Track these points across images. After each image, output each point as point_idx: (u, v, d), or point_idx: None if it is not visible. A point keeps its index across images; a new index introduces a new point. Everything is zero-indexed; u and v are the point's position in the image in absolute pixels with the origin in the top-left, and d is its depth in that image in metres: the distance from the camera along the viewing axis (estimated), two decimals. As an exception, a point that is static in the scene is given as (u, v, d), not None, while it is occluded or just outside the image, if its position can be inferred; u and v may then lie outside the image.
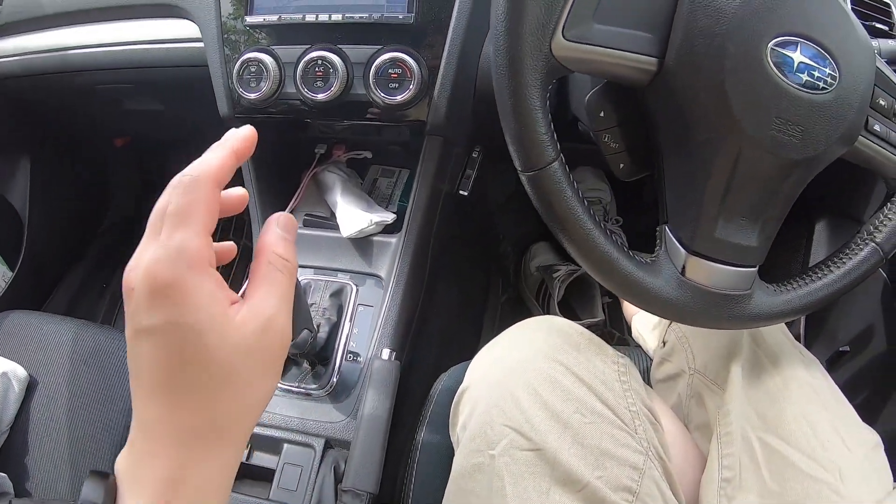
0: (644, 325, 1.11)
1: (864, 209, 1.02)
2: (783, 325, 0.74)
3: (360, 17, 0.84)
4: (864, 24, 0.68)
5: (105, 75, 1.10)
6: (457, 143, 0.95)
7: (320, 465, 0.77)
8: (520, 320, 0.74)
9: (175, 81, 1.08)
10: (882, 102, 0.58)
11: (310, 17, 0.86)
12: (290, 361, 0.87)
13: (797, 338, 1.07)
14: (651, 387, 0.84)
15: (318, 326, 0.87)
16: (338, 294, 0.92)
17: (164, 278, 0.34)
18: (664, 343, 0.84)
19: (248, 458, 0.80)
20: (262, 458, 0.80)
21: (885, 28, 0.80)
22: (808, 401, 0.65)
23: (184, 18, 0.97)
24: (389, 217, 0.95)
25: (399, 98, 0.83)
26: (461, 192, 0.99)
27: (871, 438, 0.65)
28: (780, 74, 0.51)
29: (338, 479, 0.76)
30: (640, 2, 0.53)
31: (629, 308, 1.31)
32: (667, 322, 0.87)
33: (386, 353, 0.84)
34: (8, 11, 1.10)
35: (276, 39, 0.89)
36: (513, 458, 0.58)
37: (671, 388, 0.79)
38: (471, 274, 1.50)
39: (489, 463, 0.59)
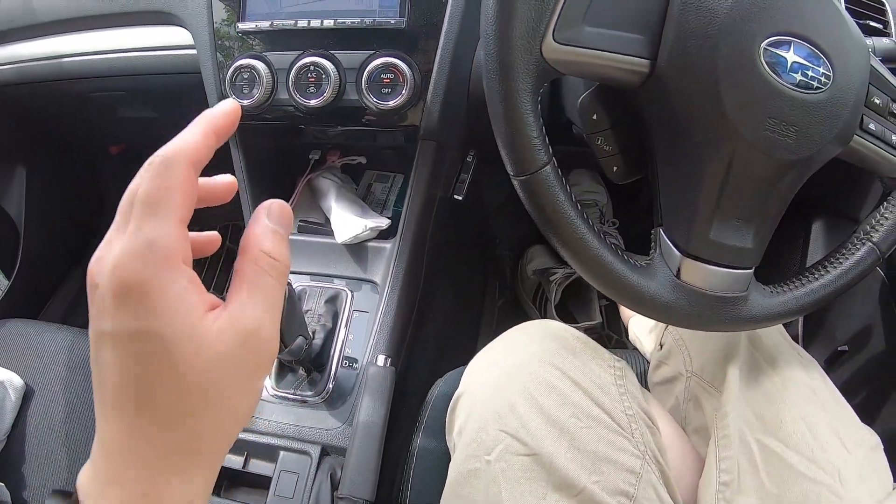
0: (641, 328, 1.10)
1: (861, 209, 1.02)
2: (781, 325, 0.73)
3: (352, 23, 0.84)
4: (858, 23, 0.68)
5: (99, 83, 1.10)
6: (451, 148, 0.95)
7: (317, 472, 0.77)
8: (517, 324, 0.74)
9: (168, 89, 1.08)
10: (877, 101, 0.58)
11: (302, 23, 0.85)
12: (286, 368, 0.87)
13: (795, 338, 1.07)
14: (648, 390, 0.83)
15: (314, 333, 0.87)
16: (333, 300, 0.91)
17: (131, 277, 0.30)
18: (661, 346, 0.84)
19: (244, 465, 0.79)
20: (258, 466, 0.79)
21: (880, 26, 0.80)
22: (806, 402, 0.65)
23: (176, 26, 0.97)
24: (384, 222, 0.95)
25: (392, 103, 0.83)
26: (456, 196, 0.99)
27: (870, 439, 0.65)
28: (773, 74, 0.51)
29: (334, 486, 0.76)
30: (630, 3, 0.52)
31: (626, 311, 1.31)
32: (664, 325, 0.87)
33: (381, 360, 0.84)
34: (2, 19, 1.10)
35: (269, 45, 0.89)
36: (509, 464, 0.58)
37: (668, 391, 0.79)
38: (467, 278, 1.50)
39: (485, 468, 0.59)
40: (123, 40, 1.04)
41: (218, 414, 0.33)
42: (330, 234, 0.95)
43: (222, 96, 0.91)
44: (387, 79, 0.82)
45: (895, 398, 0.99)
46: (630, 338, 1.18)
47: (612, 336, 1.44)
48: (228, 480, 0.80)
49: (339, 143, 1.08)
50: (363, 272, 0.94)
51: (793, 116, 0.52)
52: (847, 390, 0.74)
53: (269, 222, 0.37)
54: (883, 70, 0.60)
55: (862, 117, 0.57)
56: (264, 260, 0.35)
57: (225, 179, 0.41)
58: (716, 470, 0.64)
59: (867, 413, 0.91)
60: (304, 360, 0.83)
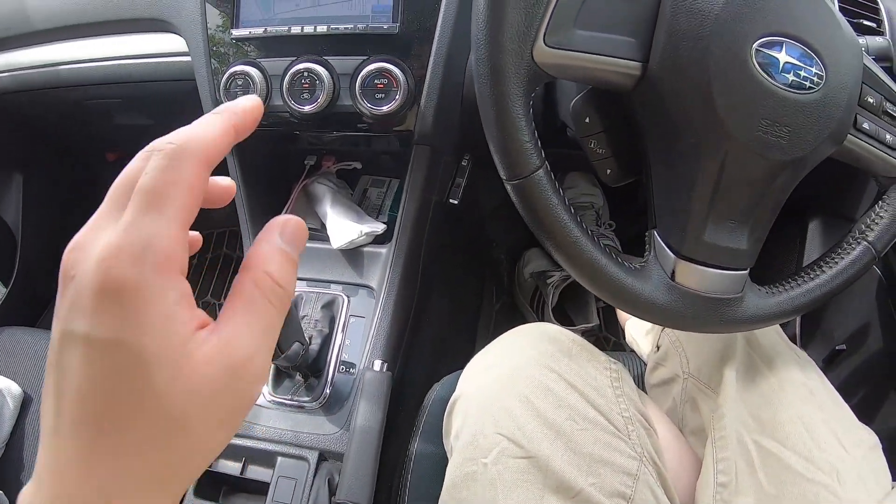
0: (637, 330, 1.10)
1: (857, 208, 1.02)
2: (778, 326, 0.73)
3: (346, 29, 0.84)
4: (851, 22, 0.68)
5: (95, 90, 1.11)
6: (445, 152, 0.95)
7: (314, 477, 0.76)
8: (514, 327, 0.74)
9: (163, 96, 1.08)
10: (870, 100, 0.58)
11: (295, 30, 0.86)
12: (283, 374, 0.87)
13: (793, 338, 1.07)
14: (646, 392, 0.83)
15: (311, 339, 0.87)
16: (329, 305, 0.91)
17: (120, 277, 0.27)
18: (658, 348, 0.84)
19: (242, 471, 0.79)
20: (256, 472, 0.79)
21: (873, 25, 0.80)
22: (803, 402, 0.65)
23: (171, 33, 0.97)
24: (380, 227, 0.95)
25: (385, 108, 0.83)
26: (451, 200, 0.99)
27: (868, 439, 0.65)
28: (765, 75, 0.51)
29: (332, 491, 0.76)
30: (621, 6, 0.52)
31: (623, 313, 1.31)
32: (660, 327, 0.87)
33: (377, 365, 0.84)
34: (-3, 27, 1.10)
35: (263, 52, 0.89)
36: (506, 467, 0.58)
37: (666, 393, 0.79)
38: (464, 282, 1.50)
39: (482, 471, 0.59)
40: (119, 48, 1.05)
41: (191, 446, 0.29)
42: (326, 239, 0.95)
43: (217, 102, 0.91)
44: (380, 84, 0.82)
45: (894, 397, 0.99)
46: (627, 340, 1.18)
47: (609, 338, 1.44)
48: (227, 486, 0.80)
49: (334, 149, 1.08)
50: (359, 277, 0.94)
51: (786, 117, 0.52)
52: (845, 390, 0.74)
53: (280, 241, 0.33)
54: (876, 69, 0.60)
55: (856, 116, 0.57)
56: (267, 283, 0.32)
57: (224, 182, 0.38)
58: (713, 471, 0.64)
59: (866, 412, 0.91)
60: (301, 365, 0.83)
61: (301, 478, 0.77)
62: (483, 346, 0.73)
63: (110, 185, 0.30)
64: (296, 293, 0.93)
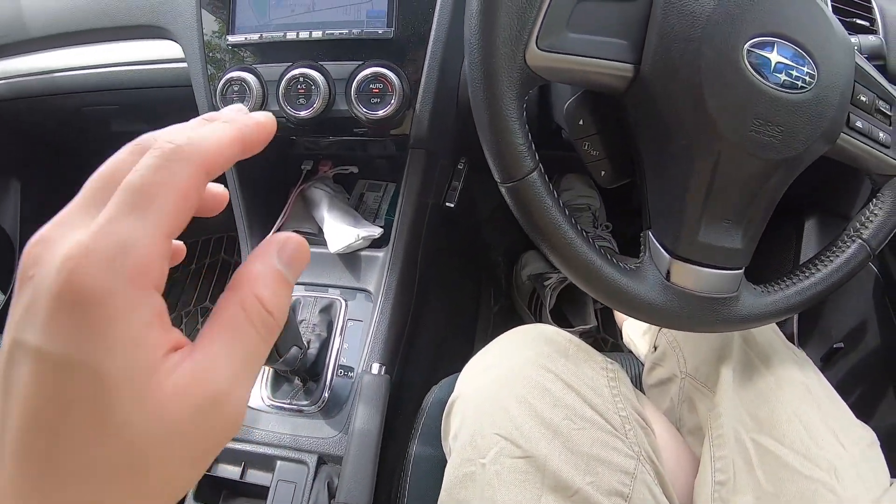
0: (635, 331, 1.11)
1: (853, 206, 1.02)
2: (774, 324, 0.74)
3: (341, 34, 0.84)
4: (845, 21, 0.68)
5: (92, 97, 1.11)
6: (441, 156, 0.95)
7: (314, 481, 0.77)
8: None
9: (160, 102, 1.08)
10: (863, 98, 0.59)
11: (291, 35, 0.86)
12: (282, 378, 0.87)
13: (791, 336, 1.08)
14: (644, 392, 0.84)
15: (309, 343, 0.87)
16: (327, 310, 0.92)
17: (84, 284, 0.23)
18: (655, 348, 0.85)
19: (241, 475, 0.80)
20: (255, 476, 0.80)
21: (866, 24, 0.80)
22: (801, 400, 0.65)
23: (167, 39, 0.98)
24: (376, 231, 0.95)
25: (381, 113, 0.83)
26: (447, 204, 0.99)
27: (866, 436, 0.66)
28: (757, 75, 0.51)
29: (331, 494, 0.76)
30: (613, 9, 0.53)
31: (620, 314, 1.31)
32: (657, 327, 0.87)
33: (376, 368, 0.84)
34: (-7, 35, 1.11)
35: (259, 57, 0.89)
36: (504, 466, 0.58)
37: (664, 393, 0.79)
38: (461, 285, 1.50)
39: (480, 471, 0.59)
40: (115, 55, 1.05)
41: (152, 488, 0.25)
42: (323, 243, 0.95)
43: (213, 108, 0.91)
44: (376, 89, 0.82)
45: (891, 394, 0.99)
46: (624, 341, 1.18)
47: (607, 339, 1.44)
48: (226, 490, 0.81)
49: (330, 154, 1.08)
50: (357, 281, 0.94)
51: (778, 116, 0.52)
52: (843, 388, 0.74)
53: (277, 262, 0.29)
54: (868, 68, 0.60)
55: (849, 115, 0.58)
56: (255, 307, 0.28)
57: (216, 189, 0.34)
58: (711, 469, 0.64)
59: (864, 410, 0.91)
60: (300, 369, 0.83)
61: (300, 481, 0.77)
62: (481, 349, 0.74)
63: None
64: (293, 297, 0.94)
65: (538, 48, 0.51)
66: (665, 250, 0.57)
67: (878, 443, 0.66)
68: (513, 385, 0.63)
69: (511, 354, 0.69)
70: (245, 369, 0.27)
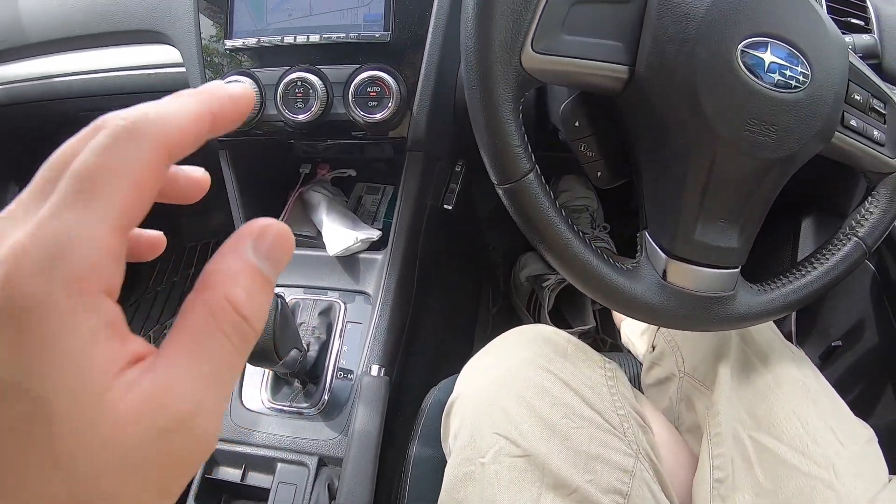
0: (633, 331, 1.11)
1: (850, 204, 1.02)
2: (772, 323, 0.74)
3: (338, 38, 0.85)
4: (840, 20, 0.69)
5: (90, 102, 1.11)
6: (439, 158, 0.95)
7: (314, 483, 0.77)
8: (511, 330, 0.75)
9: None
10: (857, 97, 0.59)
11: (288, 39, 0.86)
12: (282, 381, 0.87)
13: (789, 335, 1.08)
14: (642, 392, 0.84)
15: (308, 345, 0.87)
16: (326, 312, 0.92)
17: (18, 293, 0.19)
18: (653, 348, 0.85)
19: (242, 478, 0.80)
20: (256, 478, 0.80)
21: (861, 23, 0.81)
22: (799, 398, 0.65)
23: (165, 44, 0.98)
24: (375, 234, 0.96)
25: (378, 116, 0.83)
26: (445, 206, 0.99)
27: (864, 433, 0.66)
28: (751, 76, 0.52)
29: (332, 496, 0.76)
30: (608, 11, 0.53)
31: (619, 314, 1.31)
32: (656, 327, 0.87)
33: (375, 370, 0.84)
34: (-8, 41, 1.11)
35: (257, 62, 0.89)
36: (503, 465, 0.58)
37: (662, 392, 0.79)
38: (460, 286, 1.50)
39: (480, 471, 0.59)
40: (113, 59, 1.05)
41: None
42: (322, 246, 0.96)
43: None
44: (373, 92, 0.83)
45: (890, 392, 0.99)
46: (623, 341, 1.18)
47: (606, 340, 1.44)
48: (227, 493, 0.81)
49: (328, 157, 1.09)
50: (356, 284, 0.95)
51: (773, 116, 0.53)
52: (842, 385, 0.74)
53: (252, 255, 0.24)
54: (862, 66, 0.60)
55: (843, 114, 0.58)
56: (227, 313, 0.23)
57: (195, 173, 0.29)
58: (709, 467, 0.64)
59: (863, 408, 0.91)
60: (300, 372, 0.83)
61: (301, 483, 0.77)
62: (480, 350, 0.74)
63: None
64: (293, 300, 0.94)
65: (534, 51, 0.51)
66: (661, 250, 0.57)
67: (876, 439, 0.66)
68: (512, 385, 0.63)
69: (510, 355, 0.69)
70: (215, 385, 0.23)
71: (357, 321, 0.91)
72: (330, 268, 0.96)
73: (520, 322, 1.47)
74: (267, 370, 0.87)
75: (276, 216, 1.01)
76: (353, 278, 0.95)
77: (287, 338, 0.73)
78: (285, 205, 1.03)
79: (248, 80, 0.88)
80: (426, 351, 1.13)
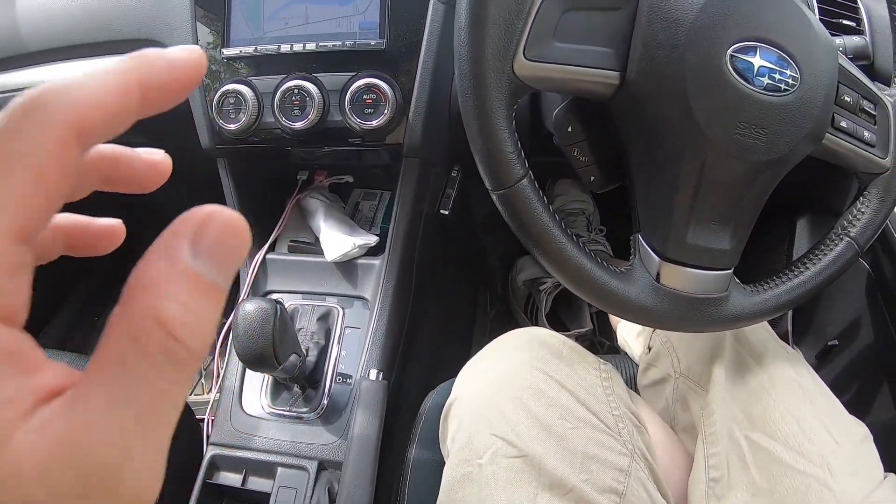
0: (629, 333, 1.11)
1: (844, 203, 1.03)
2: (766, 323, 0.74)
3: (334, 46, 0.85)
4: (831, 21, 0.69)
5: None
6: (435, 164, 0.96)
7: (314, 487, 0.78)
8: (507, 333, 0.75)
9: (155, 116, 1.08)
10: (847, 99, 0.59)
11: (285, 48, 0.86)
12: (281, 386, 0.88)
13: (785, 334, 1.08)
14: (639, 393, 0.84)
15: (307, 350, 0.88)
16: (325, 317, 0.93)
17: None
18: (649, 349, 0.85)
19: (243, 482, 0.81)
20: (257, 483, 0.81)
21: (853, 24, 0.81)
22: (793, 397, 0.66)
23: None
24: (372, 240, 0.96)
25: (374, 123, 0.84)
26: (442, 211, 1.00)
27: (859, 431, 0.66)
28: (741, 80, 0.52)
29: (332, 499, 0.77)
30: (598, 18, 0.54)
31: (615, 316, 1.31)
32: (651, 328, 0.88)
33: (373, 374, 0.85)
34: (-10, 49, 1.11)
35: (254, 70, 0.90)
36: (500, 466, 0.59)
37: (658, 393, 0.80)
38: (458, 291, 1.50)
39: (477, 472, 0.60)
40: (111, 68, 1.05)
41: None
42: (320, 252, 0.96)
43: (210, 121, 0.92)
44: (369, 99, 0.83)
45: (886, 390, 0.99)
46: (619, 343, 1.19)
47: (603, 342, 1.44)
48: (228, 498, 0.81)
49: (325, 163, 1.09)
50: (354, 289, 0.95)
51: (763, 119, 0.53)
52: (839, 384, 0.74)
53: (188, 256, 0.19)
54: (852, 68, 0.61)
55: (833, 115, 0.58)
56: (152, 336, 0.18)
57: (152, 156, 0.25)
58: (704, 467, 0.64)
59: (860, 406, 0.91)
60: (299, 377, 0.84)
61: (301, 487, 0.78)
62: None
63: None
64: (291, 306, 0.95)
65: (526, 58, 0.52)
66: (655, 253, 0.58)
67: (871, 437, 0.66)
68: (508, 387, 0.64)
69: (506, 357, 0.69)
70: (144, 427, 0.18)
71: (355, 326, 0.92)
72: (328, 273, 0.97)
73: (517, 325, 1.47)
74: (267, 375, 0.88)
75: (274, 223, 1.02)
76: (351, 284, 0.96)
77: (286, 343, 0.74)
78: (283, 211, 1.04)
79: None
80: (424, 355, 1.13)
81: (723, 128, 0.53)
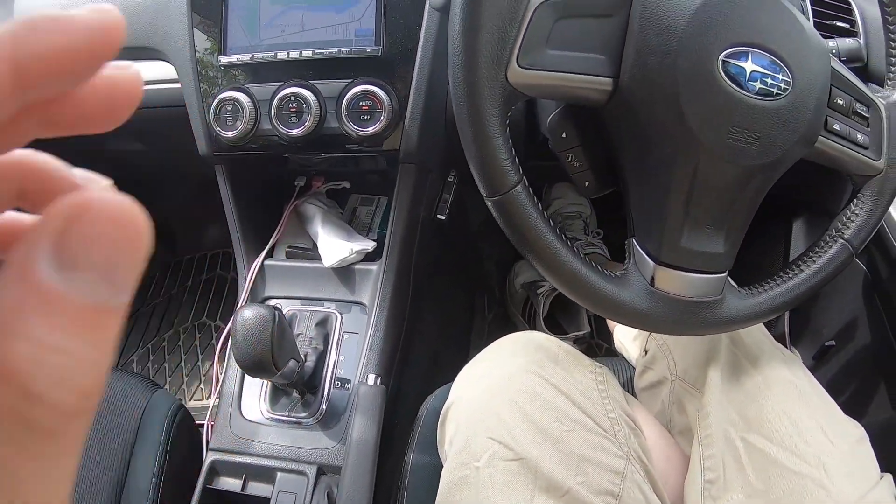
0: (626, 336, 1.11)
1: (839, 204, 1.03)
2: (762, 325, 0.75)
3: (330, 53, 0.86)
4: (825, 24, 0.69)
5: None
6: (431, 169, 0.96)
7: (314, 491, 0.78)
8: (505, 337, 0.76)
9: (154, 122, 1.09)
10: (840, 101, 0.60)
11: (282, 55, 0.87)
12: (280, 391, 0.88)
13: (782, 335, 1.08)
14: (635, 396, 0.85)
15: (306, 356, 0.88)
16: (323, 323, 0.93)
17: None
18: (646, 352, 0.85)
19: (243, 488, 0.81)
20: (256, 488, 0.81)
21: (847, 26, 0.81)
22: (789, 398, 0.66)
23: (161, 60, 0.99)
24: (370, 245, 0.97)
25: (371, 129, 0.84)
26: (439, 216, 1.00)
27: (854, 432, 0.66)
28: (733, 85, 0.52)
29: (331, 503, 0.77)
30: (591, 25, 0.54)
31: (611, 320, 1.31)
32: (647, 332, 0.88)
33: (372, 379, 0.85)
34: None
35: (251, 77, 0.90)
36: (497, 469, 0.59)
37: (655, 396, 0.80)
38: (455, 295, 1.51)
39: (475, 475, 0.60)
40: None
41: None
42: (318, 258, 0.97)
43: (208, 127, 0.92)
44: (365, 106, 0.83)
45: (883, 390, 1.00)
46: (616, 346, 1.19)
47: (601, 345, 1.44)
48: (228, 503, 0.81)
49: (323, 169, 1.09)
50: (351, 294, 0.96)
51: (755, 123, 0.53)
52: (836, 384, 0.74)
53: (48, 273, 0.13)
54: (844, 71, 0.61)
55: (826, 118, 0.59)
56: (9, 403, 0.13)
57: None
58: (700, 468, 0.65)
59: (857, 406, 0.91)
60: (298, 382, 0.84)
61: (301, 492, 0.78)
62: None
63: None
64: (290, 311, 0.95)
65: (519, 66, 0.52)
66: (649, 257, 0.58)
67: (867, 438, 0.66)
68: (505, 391, 0.64)
69: (503, 361, 0.70)
70: None
71: (353, 331, 0.92)
72: (326, 279, 0.97)
73: (515, 329, 1.47)
74: (265, 381, 0.88)
75: (272, 229, 1.02)
76: (348, 289, 0.96)
77: (285, 349, 0.74)
78: (281, 217, 1.04)
79: (245, 96, 0.89)
80: (422, 359, 1.13)
81: (715, 132, 0.53)
